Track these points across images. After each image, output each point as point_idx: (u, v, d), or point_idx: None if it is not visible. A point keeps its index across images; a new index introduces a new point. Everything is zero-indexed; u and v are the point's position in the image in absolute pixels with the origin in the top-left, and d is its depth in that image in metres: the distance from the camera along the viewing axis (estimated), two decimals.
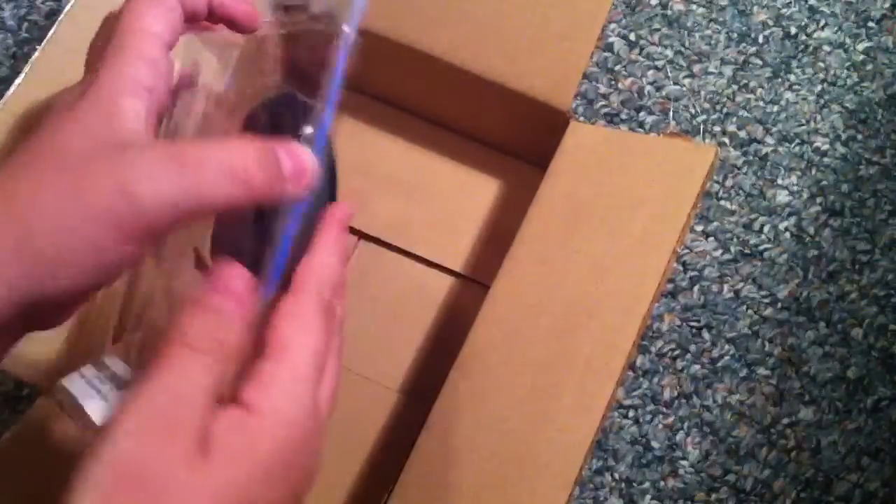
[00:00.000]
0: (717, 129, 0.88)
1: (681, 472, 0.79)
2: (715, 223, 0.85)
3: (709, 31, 0.91)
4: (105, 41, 0.43)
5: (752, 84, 0.89)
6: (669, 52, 0.90)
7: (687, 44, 0.91)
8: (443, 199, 0.76)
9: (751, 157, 0.87)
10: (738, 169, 0.87)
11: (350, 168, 0.77)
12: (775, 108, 0.89)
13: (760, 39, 0.91)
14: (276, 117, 0.47)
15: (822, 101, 0.89)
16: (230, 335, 0.40)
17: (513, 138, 0.77)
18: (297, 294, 0.43)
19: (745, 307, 0.83)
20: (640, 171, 0.65)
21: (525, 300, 0.64)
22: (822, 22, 0.92)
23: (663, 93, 0.89)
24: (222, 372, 0.39)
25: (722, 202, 0.86)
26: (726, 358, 0.82)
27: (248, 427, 0.39)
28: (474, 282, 0.73)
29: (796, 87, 0.89)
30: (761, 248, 0.85)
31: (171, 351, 0.38)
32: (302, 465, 0.41)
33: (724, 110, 0.89)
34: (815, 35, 0.91)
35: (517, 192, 0.71)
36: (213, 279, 0.41)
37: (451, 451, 0.62)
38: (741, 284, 0.84)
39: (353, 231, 0.74)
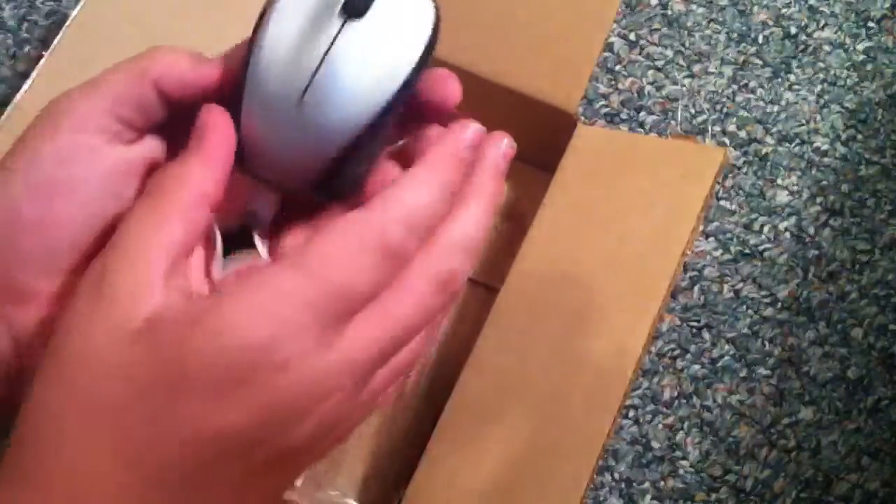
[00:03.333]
0: (717, 129, 0.88)
1: (681, 472, 0.79)
2: (715, 223, 0.85)
3: (709, 31, 0.91)
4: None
5: (752, 84, 0.90)
6: (669, 52, 0.90)
7: (687, 44, 0.91)
8: None
9: (751, 157, 0.87)
10: (738, 169, 0.87)
11: None
12: (775, 108, 0.89)
13: (760, 39, 0.91)
14: None
15: (822, 101, 0.89)
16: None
17: (519, 141, 0.76)
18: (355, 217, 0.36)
19: (745, 307, 0.83)
20: (648, 174, 0.65)
21: (534, 303, 0.64)
22: (822, 22, 0.92)
23: (663, 93, 0.89)
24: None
25: (722, 202, 0.86)
26: (726, 358, 0.82)
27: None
28: (483, 285, 0.73)
29: (796, 87, 0.90)
30: (761, 248, 0.85)
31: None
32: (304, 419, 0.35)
33: (724, 110, 0.89)
34: (815, 35, 0.91)
35: (525, 194, 0.71)
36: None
37: (462, 453, 0.62)
38: (741, 284, 0.84)
39: None
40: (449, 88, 0.42)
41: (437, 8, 0.40)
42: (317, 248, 0.35)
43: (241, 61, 0.40)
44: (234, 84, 0.40)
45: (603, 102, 0.89)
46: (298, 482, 0.69)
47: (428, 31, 0.39)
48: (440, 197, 0.38)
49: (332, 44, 0.38)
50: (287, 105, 0.38)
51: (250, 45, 0.40)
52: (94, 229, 0.40)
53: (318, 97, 0.38)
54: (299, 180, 0.40)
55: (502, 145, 0.42)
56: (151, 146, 0.42)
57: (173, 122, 0.42)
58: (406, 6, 0.39)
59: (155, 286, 0.35)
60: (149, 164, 0.42)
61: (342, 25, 0.38)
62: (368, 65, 0.38)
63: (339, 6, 0.38)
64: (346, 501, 0.70)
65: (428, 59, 0.40)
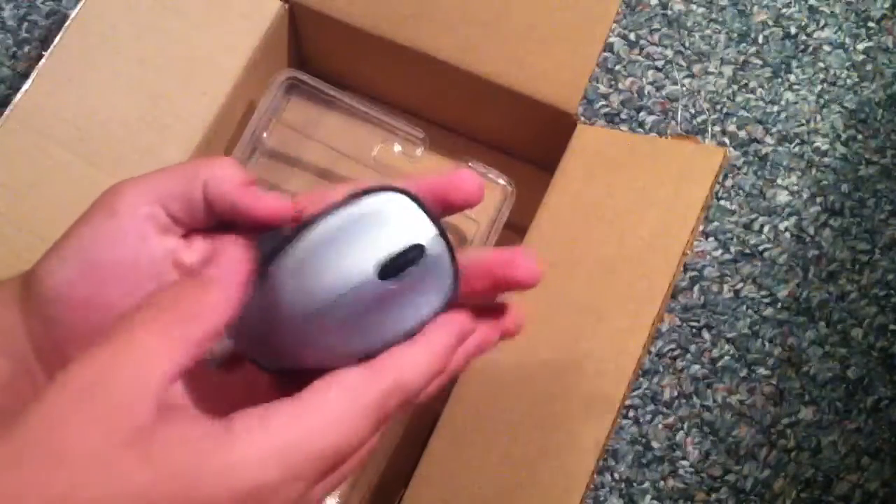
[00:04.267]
0: (717, 129, 0.88)
1: (681, 472, 0.79)
2: (715, 223, 0.85)
3: (709, 31, 0.91)
4: None
5: (752, 84, 0.90)
6: (669, 52, 0.90)
7: (687, 44, 0.91)
8: None
9: (751, 157, 0.87)
10: (738, 169, 0.87)
11: (357, 171, 0.77)
12: (775, 108, 0.89)
13: (760, 39, 0.91)
14: None
15: (822, 101, 0.89)
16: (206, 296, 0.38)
17: (520, 141, 0.77)
18: (367, 374, 0.39)
19: (745, 307, 0.83)
20: (648, 174, 0.65)
21: (534, 303, 0.64)
22: (822, 22, 0.92)
23: (663, 93, 0.89)
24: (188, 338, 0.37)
25: (722, 202, 0.86)
26: (726, 358, 0.82)
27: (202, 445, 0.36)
28: None
29: (796, 87, 0.90)
30: (761, 248, 0.85)
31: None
32: None
33: (724, 110, 0.89)
34: (815, 35, 0.91)
35: (525, 194, 0.71)
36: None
37: (462, 454, 0.62)
38: (741, 284, 0.84)
39: None
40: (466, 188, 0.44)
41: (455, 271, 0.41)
42: (321, 404, 0.37)
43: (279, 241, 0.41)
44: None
45: (603, 102, 0.89)
46: None
47: (446, 296, 0.41)
48: (438, 370, 0.41)
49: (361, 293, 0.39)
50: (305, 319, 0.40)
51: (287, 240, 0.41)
52: None
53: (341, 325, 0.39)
54: (276, 366, 0.42)
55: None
56: (195, 244, 0.44)
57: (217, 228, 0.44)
58: (432, 272, 0.40)
59: (156, 401, 0.35)
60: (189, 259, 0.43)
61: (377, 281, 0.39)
62: (392, 320, 0.40)
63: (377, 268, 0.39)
64: (327, 501, 0.70)
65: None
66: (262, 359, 0.42)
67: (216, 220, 0.43)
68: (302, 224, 0.40)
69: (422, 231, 0.39)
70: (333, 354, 0.39)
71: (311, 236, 0.39)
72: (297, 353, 0.40)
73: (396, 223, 0.39)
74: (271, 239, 0.41)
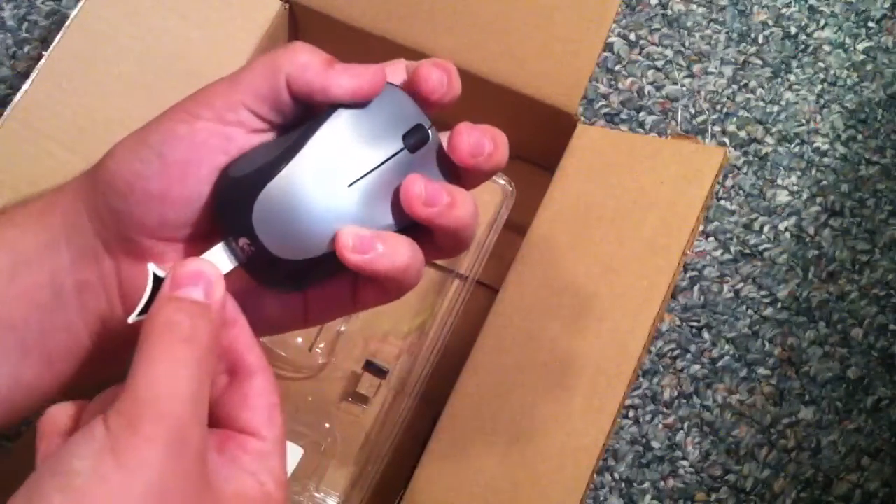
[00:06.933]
0: (717, 129, 0.88)
1: (681, 472, 0.79)
2: (715, 223, 0.85)
3: (709, 31, 0.91)
4: None
5: (752, 84, 0.90)
6: (669, 52, 0.90)
7: (687, 44, 0.91)
8: None
9: (751, 157, 0.87)
10: (738, 169, 0.87)
11: None
12: (775, 108, 0.89)
13: (760, 39, 0.91)
14: None
15: (822, 101, 0.89)
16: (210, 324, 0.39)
17: (520, 141, 0.76)
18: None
19: (745, 307, 0.83)
20: (648, 174, 0.65)
21: (534, 303, 0.64)
22: (822, 22, 0.92)
23: (663, 93, 0.89)
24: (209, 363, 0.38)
25: (722, 202, 0.86)
26: (726, 358, 0.82)
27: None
28: (483, 285, 0.72)
29: (796, 87, 0.90)
30: (761, 248, 0.85)
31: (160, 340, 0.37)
32: None
33: (724, 110, 0.89)
34: (815, 35, 0.91)
35: (525, 194, 0.71)
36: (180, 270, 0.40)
37: (461, 454, 0.62)
38: (741, 284, 0.84)
39: None
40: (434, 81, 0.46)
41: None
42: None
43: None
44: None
45: (603, 102, 0.89)
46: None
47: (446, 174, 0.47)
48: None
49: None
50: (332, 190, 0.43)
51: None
52: (207, 211, 0.44)
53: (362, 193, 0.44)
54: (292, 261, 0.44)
55: None
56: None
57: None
58: (432, 149, 0.46)
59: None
60: None
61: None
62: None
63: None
64: (327, 501, 0.71)
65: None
66: (280, 254, 0.43)
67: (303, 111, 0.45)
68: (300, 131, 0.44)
69: (421, 117, 0.45)
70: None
71: (331, 126, 0.43)
72: (317, 239, 0.43)
73: (403, 111, 0.45)
74: (252, 157, 0.44)
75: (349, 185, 0.43)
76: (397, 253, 0.43)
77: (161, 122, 0.44)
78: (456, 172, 0.46)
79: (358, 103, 0.43)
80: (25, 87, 0.63)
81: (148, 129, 0.44)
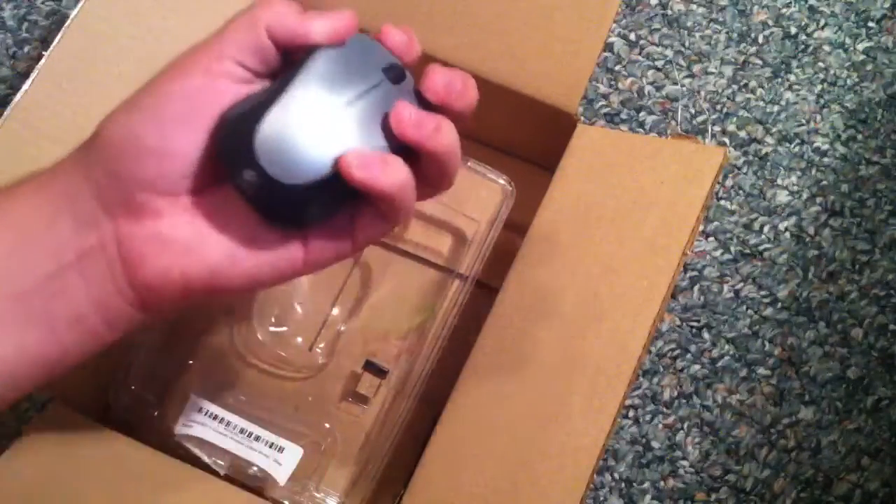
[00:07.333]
0: (717, 129, 0.88)
1: (681, 472, 0.79)
2: (715, 223, 0.85)
3: (709, 31, 0.91)
4: None
5: (752, 84, 0.90)
6: (669, 52, 0.90)
7: (687, 44, 0.91)
8: (449, 201, 0.75)
9: (751, 157, 0.87)
10: (738, 169, 0.87)
11: None
12: (775, 108, 0.89)
13: (760, 39, 0.91)
14: None
15: (822, 101, 0.89)
16: None
17: (520, 141, 0.77)
18: None
19: (745, 307, 0.83)
20: (648, 174, 0.65)
21: (534, 303, 0.64)
22: (822, 22, 0.92)
23: (663, 93, 0.89)
24: None
25: (722, 202, 0.86)
26: (726, 358, 0.82)
27: None
28: (483, 285, 0.72)
29: (796, 87, 0.90)
30: (761, 248, 0.85)
31: None
32: None
33: (724, 110, 0.89)
34: (815, 35, 0.91)
35: (525, 194, 0.71)
36: None
37: (461, 454, 0.62)
38: (741, 284, 0.84)
39: None
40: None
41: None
42: None
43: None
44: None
45: (603, 102, 0.89)
46: (284, 482, 0.69)
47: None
48: None
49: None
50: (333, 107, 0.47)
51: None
52: (204, 162, 0.46)
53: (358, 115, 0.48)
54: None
55: None
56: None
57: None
58: (409, 83, 0.50)
59: None
60: None
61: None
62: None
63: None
64: (327, 501, 0.71)
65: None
66: (284, 179, 0.45)
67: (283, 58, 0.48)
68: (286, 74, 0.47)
69: (395, 59, 0.49)
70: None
71: (315, 63, 0.47)
72: (319, 162, 0.46)
73: (378, 52, 0.49)
74: (246, 101, 0.47)
75: (343, 107, 0.47)
76: (397, 170, 0.46)
77: (151, 86, 0.47)
78: (431, 110, 0.49)
79: (335, 46, 0.47)
80: (25, 87, 0.63)
81: (138, 95, 0.47)
